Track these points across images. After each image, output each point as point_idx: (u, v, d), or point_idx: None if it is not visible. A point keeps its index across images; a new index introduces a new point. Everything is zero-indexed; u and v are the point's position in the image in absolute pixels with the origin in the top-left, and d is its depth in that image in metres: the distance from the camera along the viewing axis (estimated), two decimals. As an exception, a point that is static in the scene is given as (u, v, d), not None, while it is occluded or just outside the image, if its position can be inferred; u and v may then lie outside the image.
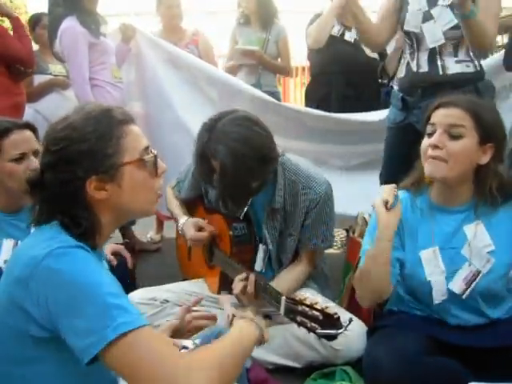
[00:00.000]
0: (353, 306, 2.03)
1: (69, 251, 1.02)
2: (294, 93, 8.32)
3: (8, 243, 1.73)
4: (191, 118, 3.01)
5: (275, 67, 3.56)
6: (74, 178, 1.08)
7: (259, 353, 1.89)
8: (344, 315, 1.36)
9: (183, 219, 2.11)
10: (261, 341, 1.22)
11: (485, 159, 1.57)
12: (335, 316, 1.33)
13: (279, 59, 3.59)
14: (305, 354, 1.87)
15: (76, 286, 0.97)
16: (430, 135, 1.58)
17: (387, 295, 1.67)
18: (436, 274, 1.60)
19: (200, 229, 2.04)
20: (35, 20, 3.55)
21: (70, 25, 2.80)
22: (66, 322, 0.97)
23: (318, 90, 3.23)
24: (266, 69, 3.50)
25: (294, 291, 1.87)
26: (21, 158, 1.72)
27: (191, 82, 3.10)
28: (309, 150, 2.32)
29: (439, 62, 2.19)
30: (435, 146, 1.54)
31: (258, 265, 2.03)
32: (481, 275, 1.58)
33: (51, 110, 3.06)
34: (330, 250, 3.16)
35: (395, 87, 2.37)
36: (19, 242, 1.70)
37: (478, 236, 1.60)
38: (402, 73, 2.34)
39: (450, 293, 1.60)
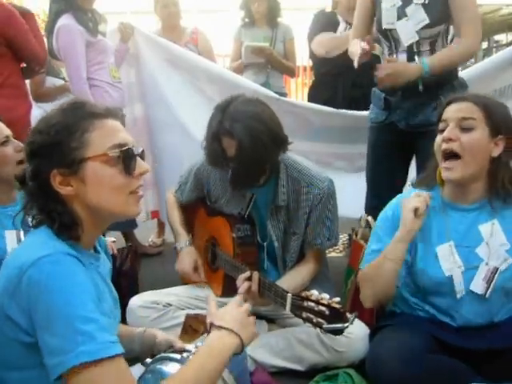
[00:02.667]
0: (355, 310, 2.03)
1: (54, 260, 1.00)
2: (296, 93, 8.32)
3: (10, 234, 1.73)
4: (191, 118, 3.00)
5: (284, 66, 3.52)
6: (39, 171, 1.09)
7: (262, 356, 1.90)
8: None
9: (183, 242, 2.10)
10: (241, 347, 1.17)
11: (497, 151, 1.60)
12: (341, 310, 1.34)
13: (284, 60, 3.55)
14: (308, 357, 1.87)
15: (52, 302, 0.97)
16: (442, 131, 1.61)
17: (392, 295, 1.70)
18: (454, 268, 1.62)
19: (195, 268, 2.04)
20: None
21: (66, 22, 2.74)
22: (40, 335, 0.98)
23: (322, 91, 3.19)
24: (274, 68, 3.47)
25: (300, 290, 1.87)
26: (5, 141, 1.77)
27: (191, 82, 3.07)
28: (312, 151, 2.32)
29: (417, 63, 2.20)
30: (449, 139, 1.57)
31: (266, 262, 2.04)
32: (498, 272, 1.60)
33: None
34: (332, 254, 3.17)
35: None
36: (21, 232, 1.71)
37: (494, 235, 1.62)
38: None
39: (472, 294, 1.61)
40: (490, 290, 1.60)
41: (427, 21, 2.14)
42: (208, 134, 1.87)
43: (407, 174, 2.40)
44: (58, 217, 1.08)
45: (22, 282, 0.99)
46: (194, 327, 1.70)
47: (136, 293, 2.14)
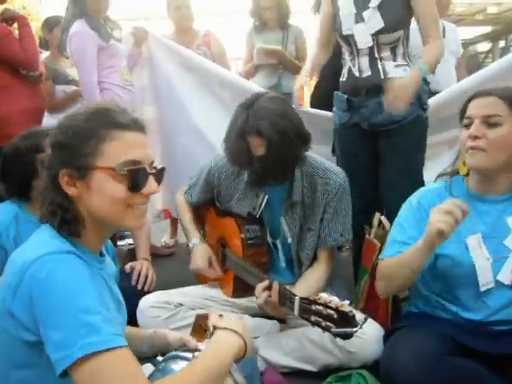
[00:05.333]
0: (369, 309, 2.01)
1: (56, 258, 1.01)
2: (309, 94, 8.27)
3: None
4: (205, 121, 3.02)
5: (296, 67, 3.51)
6: (51, 165, 1.11)
7: (274, 356, 1.88)
8: (359, 316, 1.35)
9: (195, 239, 2.11)
10: (244, 349, 1.16)
11: None
12: (350, 314, 1.31)
13: (296, 61, 3.55)
14: (320, 358, 1.85)
15: (54, 297, 0.97)
16: (468, 127, 1.58)
17: (410, 287, 1.68)
18: (482, 260, 1.58)
19: (210, 263, 2.05)
20: (53, 22, 3.59)
21: (78, 28, 2.82)
22: (44, 331, 0.97)
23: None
24: (286, 69, 3.48)
25: (317, 293, 1.85)
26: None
27: (204, 85, 3.09)
28: (323, 153, 2.32)
29: (380, 66, 2.23)
30: (475, 137, 1.54)
31: (282, 261, 2.03)
32: None
33: None
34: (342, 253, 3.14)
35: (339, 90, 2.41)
36: None
37: None
38: (344, 77, 2.37)
39: (499, 284, 1.58)
40: None
41: (382, 24, 2.17)
42: (232, 133, 1.85)
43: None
44: (61, 212, 1.10)
45: (24, 278, 0.99)
46: (204, 326, 1.69)
47: (147, 293, 2.14)
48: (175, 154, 3.18)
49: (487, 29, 9.63)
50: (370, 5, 2.20)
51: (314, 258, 2.01)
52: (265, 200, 1.99)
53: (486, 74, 2.55)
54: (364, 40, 2.22)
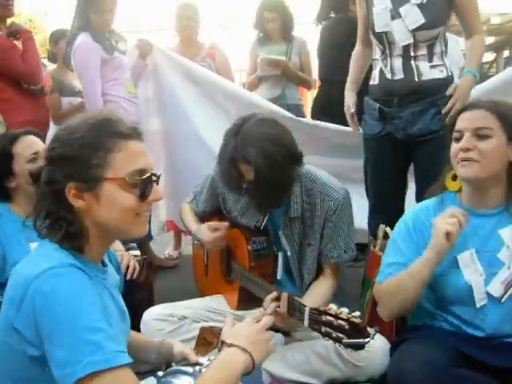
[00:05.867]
0: (374, 322, 1.98)
1: (60, 272, 1.00)
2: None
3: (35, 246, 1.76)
4: (209, 132, 3.02)
5: (300, 79, 3.53)
6: (54, 179, 1.09)
7: (278, 370, 1.86)
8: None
9: (195, 226, 2.11)
10: (252, 366, 1.15)
11: None
12: (361, 324, 1.30)
13: (300, 73, 3.56)
14: (326, 371, 1.82)
15: (58, 314, 0.96)
16: (458, 140, 1.58)
17: (413, 309, 1.65)
18: (475, 276, 1.57)
19: (215, 230, 2.03)
20: (58, 35, 3.64)
21: (83, 41, 2.85)
22: (47, 348, 0.97)
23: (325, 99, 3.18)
24: (290, 80, 3.49)
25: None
26: (35, 158, 1.85)
27: (209, 97, 3.11)
28: (328, 165, 2.30)
29: (414, 68, 2.16)
30: (467, 149, 1.54)
31: (279, 273, 2.00)
32: None
33: None
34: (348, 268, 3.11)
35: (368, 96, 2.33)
36: None
37: None
38: (375, 80, 2.28)
39: (490, 297, 1.56)
40: (506, 295, 1.54)
41: (423, 20, 2.10)
42: (223, 158, 1.85)
43: (406, 184, 2.35)
44: (65, 225, 1.09)
45: (27, 293, 0.99)
46: (209, 340, 1.68)
47: (151, 305, 2.13)
48: (179, 166, 3.19)
49: (490, 39, 9.65)
50: (411, 0, 2.11)
51: (319, 271, 2.00)
52: (268, 213, 1.98)
53: (490, 84, 2.54)
54: (403, 37, 2.13)
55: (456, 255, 1.59)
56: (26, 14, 11.42)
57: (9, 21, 2.92)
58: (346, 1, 3.21)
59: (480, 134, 1.54)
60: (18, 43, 2.81)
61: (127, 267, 2.10)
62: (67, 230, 1.09)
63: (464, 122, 1.59)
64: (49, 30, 4.22)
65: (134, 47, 3.13)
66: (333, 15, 3.40)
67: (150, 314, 2.02)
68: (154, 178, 1.15)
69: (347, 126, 2.55)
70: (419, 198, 2.17)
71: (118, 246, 2.21)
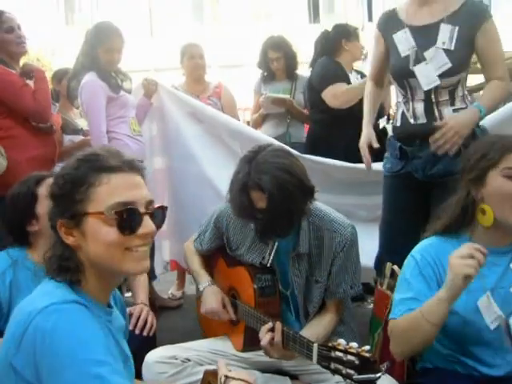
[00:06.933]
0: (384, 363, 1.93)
1: (61, 308, 0.99)
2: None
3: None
4: (215, 171, 3.03)
5: (304, 116, 3.56)
6: (51, 218, 1.12)
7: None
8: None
9: (205, 281, 2.08)
10: None
11: None
12: (372, 359, 1.26)
13: (305, 110, 3.59)
14: (334, 416, 1.76)
15: (60, 350, 0.94)
16: (511, 177, 1.51)
17: (425, 350, 1.60)
18: (496, 318, 1.53)
19: (223, 305, 2.01)
20: (62, 74, 3.71)
21: (89, 79, 2.89)
22: None
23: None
24: (294, 118, 3.52)
25: (323, 340, 1.79)
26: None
27: (213, 134, 3.13)
28: (334, 203, 2.29)
29: (436, 113, 2.15)
30: None
31: (292, 312, 1.98)
32: None
33: None
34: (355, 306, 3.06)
35: (391, 135, 2.33)
36: None
37: None
38: (397, 122, 2.29)
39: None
40: None
41: (449, 64, 2.08)
42: (235, 186, 1.84)
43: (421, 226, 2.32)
44: (60, 261, 1.09)
45: (28, 330, 0.97)
46: (213, 383, 1.62)
47: (153, 347, 2.07)
48: (183, 204, 3.18)
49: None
50: (437, 44, 2.08)
51: (322, 307, 1.97)
52: (274, 248, 1.96)
53: (488, 122, 2.53)
54: (429, 80, 2.10)
55: (473, 297, 1.54)
56: (33, 54, 11.69)
57: (22, 60, 2.97)
58: (338, 45, 3.26)
59: None
60: (30, 82, 2.85)
61: (138, 318, 2.08)
62: (60, 265, 1.08)
63: None
64: (56, 69, 4.31)
65: (140, 86, 3.18)
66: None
67: (152, 357, 1.96)
68: (147, 211, 1.12)
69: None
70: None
71: (139, 297, 2.20)
